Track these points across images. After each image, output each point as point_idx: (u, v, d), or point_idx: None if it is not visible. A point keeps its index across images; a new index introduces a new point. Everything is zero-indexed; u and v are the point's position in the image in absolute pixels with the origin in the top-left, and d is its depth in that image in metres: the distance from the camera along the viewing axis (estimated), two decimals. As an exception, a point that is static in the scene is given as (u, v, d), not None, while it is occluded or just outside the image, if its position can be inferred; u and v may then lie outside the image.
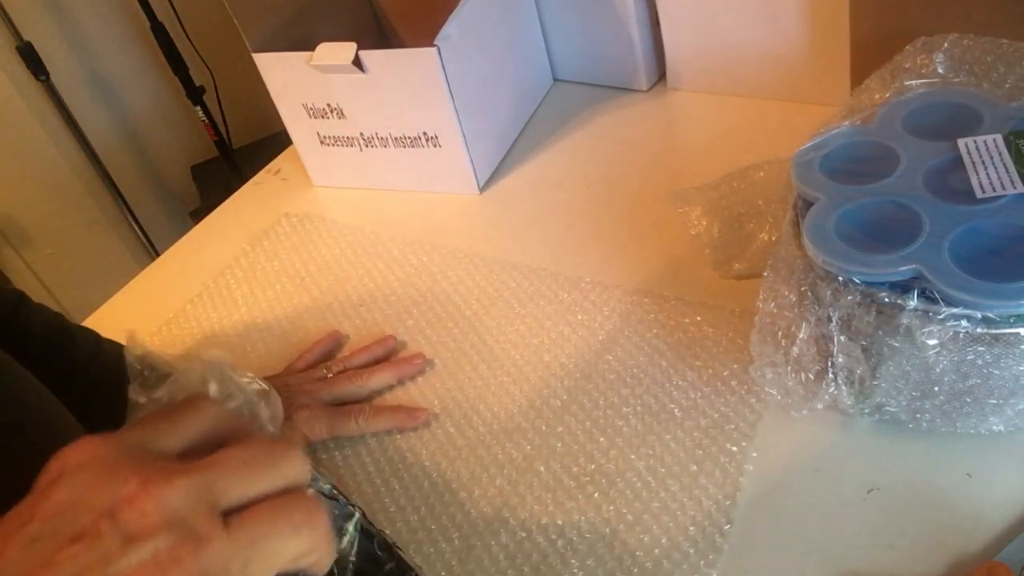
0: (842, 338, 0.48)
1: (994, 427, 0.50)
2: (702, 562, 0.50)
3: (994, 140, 0.50)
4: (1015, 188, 0.47)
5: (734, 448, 0.55)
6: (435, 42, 0.75)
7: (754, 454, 0.55)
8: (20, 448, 0.42)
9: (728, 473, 0.54)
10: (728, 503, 0.52)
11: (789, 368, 0.50)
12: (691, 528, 0.52)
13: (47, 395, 0.48)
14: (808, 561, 0.49)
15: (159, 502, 0.28)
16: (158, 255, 0.94)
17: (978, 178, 0.49)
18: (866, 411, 0.52)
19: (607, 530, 0.53)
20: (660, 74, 0.92)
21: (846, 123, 0.56)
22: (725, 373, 0.60)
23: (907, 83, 0.57)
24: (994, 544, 0.46)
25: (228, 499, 0.30)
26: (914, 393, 0.48)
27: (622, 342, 0.65)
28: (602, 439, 0.58)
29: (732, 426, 0.56)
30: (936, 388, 0.47)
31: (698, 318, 0.64)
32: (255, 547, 0.29)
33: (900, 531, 0.49)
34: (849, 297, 0.46)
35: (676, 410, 0.59)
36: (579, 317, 0.68)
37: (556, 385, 0.63)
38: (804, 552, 0.49)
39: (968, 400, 0.48)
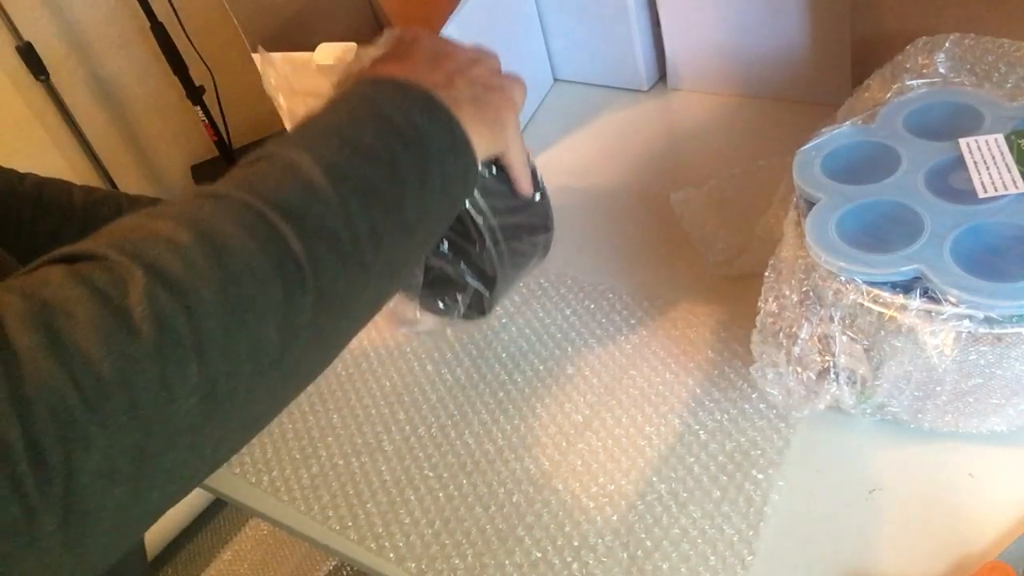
0: (844, 338, 0.48)
1: (996, 427, 0.50)
2: (723, 594, 0.48)
3: (995, 140, 0.50)
4: (1016, 188, 0.47)
5: (760, 476, 0.53)
6: (435, 42, 0.75)
7: (781, 483, 0.53)
8: None
9: (753, 501, 0.52)
10: (751, 533, 0.50)
11: (791, 368, 0.50)
12: (712, 558, 0.50)
13: None
14: (814, 562, 0.49)
15: (489, 60, 0.51)
16: (158, 255, 0.94)
17: (979, 178, 0.49)
18: (868, 411, 0.52)
19: (624, 555, 0.52)
20: (660, 74, 0.92)
21: (847, 123, 0.56)
22: (754, 396, 0.57)
23: (908, 83, 0.57)
24: (996, 544, 0.46)
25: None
26: (916, 393, 0.48)
27: (648, 357, 0.63)
28: (623, 459, 0.57)
29: (759, 451, 0.54)
30: (938, 388, 0.47)
31: (726, 336, 0.62)
32: (517, 94, 0.51)
33: (902, 531, 0.49)
34: (851, 297, 0.46)
35: (701, 432, 0.56)
36: (606, 329, 0.66)
37: (579, 400, 0.62)
38: (817, 558, 0.49)
39: (970, 400, 0.47)
